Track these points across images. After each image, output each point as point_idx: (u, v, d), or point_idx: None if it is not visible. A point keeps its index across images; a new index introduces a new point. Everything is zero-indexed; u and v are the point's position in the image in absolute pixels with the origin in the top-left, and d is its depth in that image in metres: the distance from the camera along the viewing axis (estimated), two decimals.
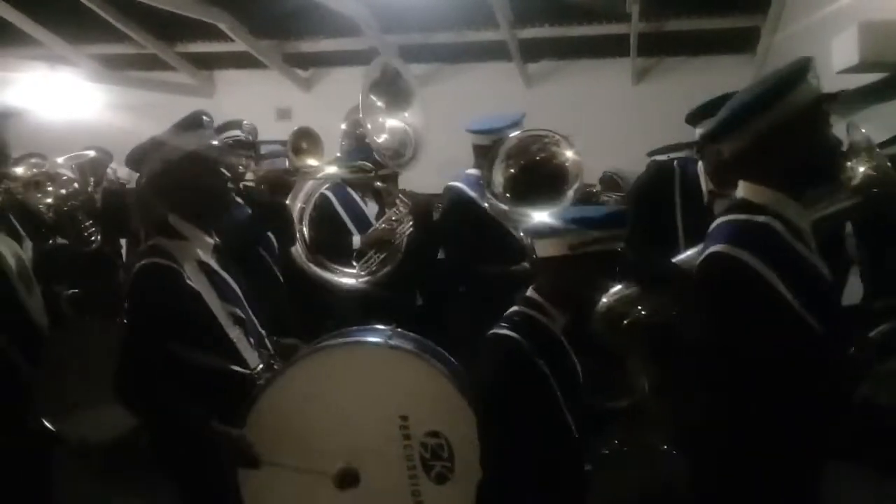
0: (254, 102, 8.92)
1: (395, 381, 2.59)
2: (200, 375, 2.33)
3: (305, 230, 4.10)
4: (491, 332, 2.29)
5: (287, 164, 4.47)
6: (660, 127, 7.72)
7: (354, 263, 4.06)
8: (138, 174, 2.61)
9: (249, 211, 4.00)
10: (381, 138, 3.82)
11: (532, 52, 8.36)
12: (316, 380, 2.55)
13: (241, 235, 3.65)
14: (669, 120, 7.85)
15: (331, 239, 4.10)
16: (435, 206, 4.21)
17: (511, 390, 2.18)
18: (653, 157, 5.46)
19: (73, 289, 3.08)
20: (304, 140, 4.25)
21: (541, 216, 2.55)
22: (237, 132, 4.45)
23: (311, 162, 4.17)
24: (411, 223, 4.02)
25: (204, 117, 2.56)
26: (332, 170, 4.15)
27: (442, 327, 3.84)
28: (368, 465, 2.54)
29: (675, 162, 3.44)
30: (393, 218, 4.08)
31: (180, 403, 2.31)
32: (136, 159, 2.49)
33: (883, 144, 3.00)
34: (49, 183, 5.74)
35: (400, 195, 4.10)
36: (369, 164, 4.00)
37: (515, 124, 3.82)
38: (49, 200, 5.70)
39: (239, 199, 4.04)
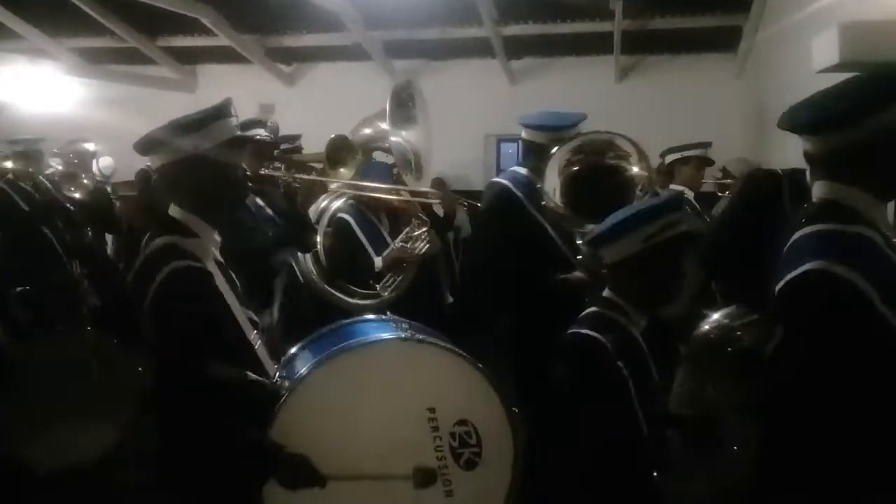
0: (236, 97, 8.66)
1: (420, 374, 2.57)
2: (228, 389, 2.14)
3: (321, 251, 3.90)
4: (571, 331, 2.24)
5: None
6: (643, 124, 7.78)
7: (375, 285, 3.90)
8: (149, 164, 2.37)
9: (268, 212, 3.85)
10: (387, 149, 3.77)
11: (516, 48, 8.38)
12: (336, 385, 2.47)
13: (266, 241, 3.58)
14: (652, 117, 7.99)
15: (350, 264, 3.92)
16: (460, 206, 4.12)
17: (589, 391, 2.14)
18: (667, 156, 5.37)
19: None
20: (342, 150, 3.95)
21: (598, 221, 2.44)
22: (260, 131, 4.21)
23: (344, 173, 3.93)
24: (427, 241, 3.92)
25: (231, 107, 2.38)
26: (340, 185, 3.86)
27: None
28: (399, 460, 2.49)
29: (781, 172, 3.20)
30: (413, 234, 3.97)
31: (235, 424, 2.13)
32: (146, 146, 2.25)
33: None
34: (84, 175, 5.63)
35: (419, 214, 3.94)
36: (434, 191, 3.92)
37: (576, 124, 3.66)
38: (78, 195, 5.56)
39: (260, 202, 3.88)
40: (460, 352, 2.61)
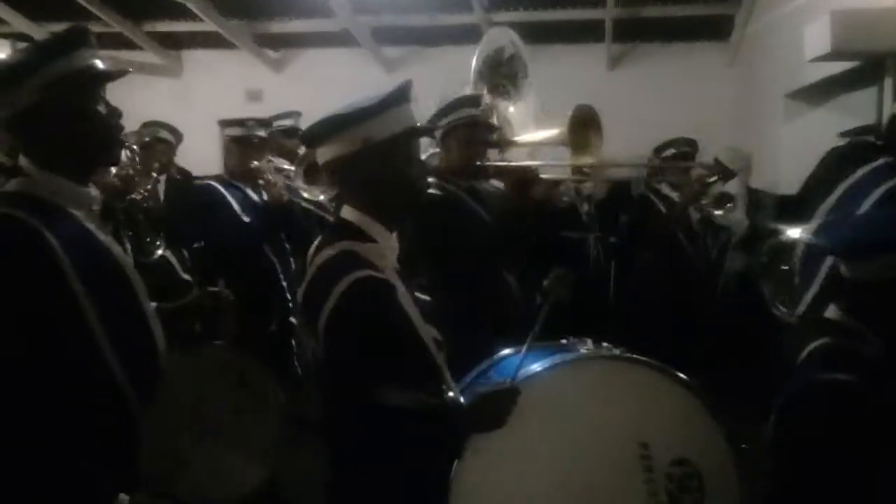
0: (223, 83, 8.77)
1: (629, 400, 2.21)
2: (412, 418, 1.88)
3: None
4: (824, 377, 1.87)
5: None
6: (634, 113, 7.76)
7: None
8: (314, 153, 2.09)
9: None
10: None
11: None
12: (533, 411, 2.05)
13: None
14: (644, 106, 7.96)
15: None
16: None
17: (846, 447, 1.83)
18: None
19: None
20: (592, 128, 2.86)
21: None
22: (471, 111, 3.37)
23: (588, 159, 2.99)
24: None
25: (412, 90, 2.06)
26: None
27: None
28: None
29: None
30: None
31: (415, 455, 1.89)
32: (315, 137, 2.02)
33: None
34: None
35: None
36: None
37: None
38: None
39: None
40: (674, 371, 2.24)
